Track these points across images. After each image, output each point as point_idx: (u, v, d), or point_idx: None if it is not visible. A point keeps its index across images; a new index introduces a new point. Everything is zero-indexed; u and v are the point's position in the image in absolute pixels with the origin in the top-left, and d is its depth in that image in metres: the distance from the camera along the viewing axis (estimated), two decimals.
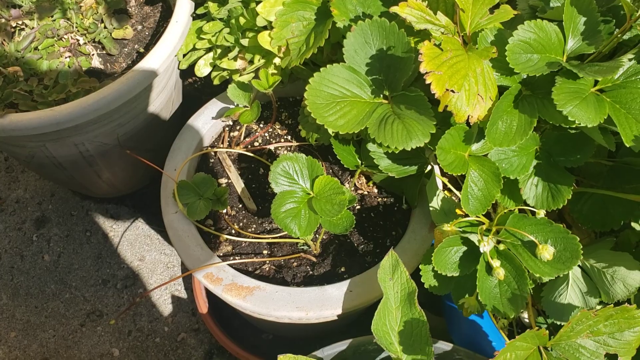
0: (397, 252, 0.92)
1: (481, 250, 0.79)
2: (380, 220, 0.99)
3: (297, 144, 1.05)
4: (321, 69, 0.83)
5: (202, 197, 0.94)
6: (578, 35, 0.81)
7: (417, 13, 0.79)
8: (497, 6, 0.82)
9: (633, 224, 0.91)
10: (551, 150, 0.86)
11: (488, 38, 0.81)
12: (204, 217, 0.95)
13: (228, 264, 0.91)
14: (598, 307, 0.92)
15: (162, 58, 1.00)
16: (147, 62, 0.99)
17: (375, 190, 1.02)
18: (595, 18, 0.81)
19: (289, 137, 1.06)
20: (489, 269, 0.79)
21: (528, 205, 0.85)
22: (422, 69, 0.72)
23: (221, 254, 0.94)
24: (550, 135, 0.86)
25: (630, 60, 0.78)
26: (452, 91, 0.74)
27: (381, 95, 0.85)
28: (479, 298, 0.79)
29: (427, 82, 0.72)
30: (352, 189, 1.01)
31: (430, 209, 0.92)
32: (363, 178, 1.02)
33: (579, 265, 0.89)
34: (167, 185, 0.98)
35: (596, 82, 0.79)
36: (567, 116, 0.72)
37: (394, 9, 0.78)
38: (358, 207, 1.00)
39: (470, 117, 0.76)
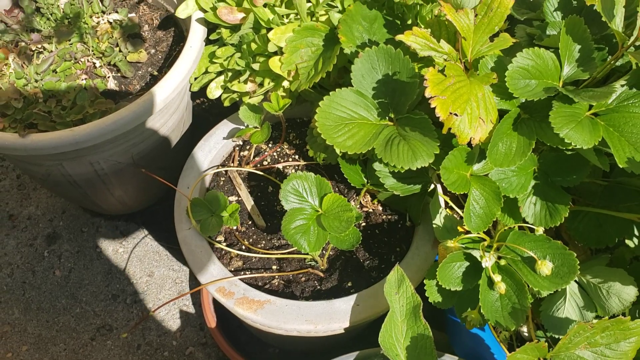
0: (401, 267, 0.95)
1: (483, 265, 0.82)
2: (385, 237, 1.03)
3: (305, 163, 1.09)
4: (330, 93, 0.87)
5: (215, 214, 0.98)
6: (573, 62, 0.85)
7: (421, 41, 0.83)
8: (497, 34, 0.86)
9: (627, 241, 0.94)
10: (548, 170, 0.90)
11: (489, 64, 0.85)
12: (216, 233, 0.98)
13: (239, 279, 0.95)
14: (594, 321, 0.95)
15: (177, 81, 1.04)
16: (163, 85, 1.03)
17: (380, 208, 1.05)
18: (590, 46, 0.86)
19: (297, 157, 1.10)
20: (491, 283, 0.83)
21: (527, 223, 0.89)
22: (427, 94, 0.76)
23: (232, 269, 0.97)
24: (547, 157, 0.90)
25: (622, 85, 0.82)
26: (455, 115, 0.78)
27: (387, 118, 0.89)
28: (482, 311, 0.82)
29: (432, 106, 0.76)
30: (358, 206, 1.05)
31: (434, 226, 0.95)
32: (368, 196, 1.05)
33: (575, 281, 0.92)
34: (181, 202, 1.01)
35: (591, 107, 0.83)
36: (564, 138, 0.76)
37: (399, 37, 0.82)
38: (363, 224, 1.04)
39: (472, 139, 0.80)
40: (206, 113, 1.51)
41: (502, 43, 0.85)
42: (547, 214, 0.89)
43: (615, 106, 0.82)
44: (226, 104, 1.13)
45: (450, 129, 0.78)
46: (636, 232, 0.93)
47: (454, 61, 0.85)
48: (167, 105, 1.06)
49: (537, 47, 0.84)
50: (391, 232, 1.03)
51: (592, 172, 0.92)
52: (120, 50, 1.17)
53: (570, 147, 0.80)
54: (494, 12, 0.83)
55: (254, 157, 1.09)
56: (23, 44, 1.13)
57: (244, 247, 1.00)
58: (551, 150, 0.90)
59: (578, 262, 0.80)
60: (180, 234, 0.98)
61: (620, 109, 0.82)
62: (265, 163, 1.09)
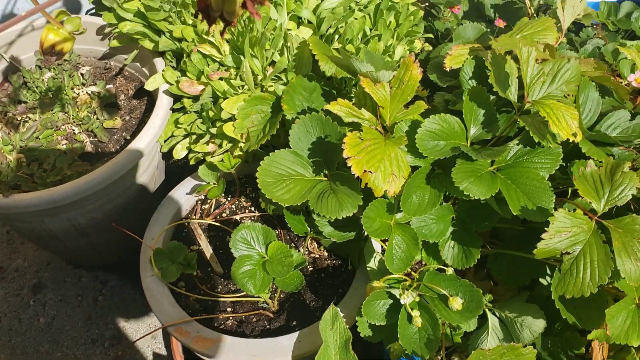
0: (340, 306, 1.06)
1: (402, 302, 0.93)
2: (330, 279, 1.14)
3: (259, 214, 1.21)
4: (270, 154, 0.99)
5: (175, 262, 1.09)
6: (479, 124, 0.98)
7: (345, 109, 0.96)
8: (412, 102, 1.00)
9: (541, 280, 1.05)
10: (464, 218, 1.02)
11: (403, 128, 0.98)
12: (176, 279, 1.10)
13: (195, 320, 1.05)
14: None
15: (142, 146, 1.17)
16: (130, 150, 1.16)
17: (326, 254, 1.17)
18: (493, 110, 0.99)
19: (253, 209, 1.22)
20: (410, 318, 0.93)
21: (447, 265, 1.01)
22: (345, 155, 0.89)
23: (190, 311, 1.08)
24: (463, 206, 1.02)
25: (518, 144, 0.96)
26: (370, 172, 0.90)
27: (322, 174, 1.02)
28: (401, 343, 0.93)
29: (348, 165, 0.88)
30: (306, 252, 1.17)
31: (368, 269, 1.06)
32: (315, 243, 1.17)
33: (496, 316, 1.03)
34: (146, 252, 1.13)
35: (493, 162, 0.96)
36: (463, 191, 0.89)
37: (327, 107, 0.96)
38: (311, 268, 1.15)
39: (387, 191, 0.92)
40: (180, 170, 1.64)
41: (415, 110, 0.99)
42: (463, 257, 1.00)
43: (513, 162, 0.95)
44: (192, 162, 1.27)
45: (367, 183, 0.91)
46: (548, 272, 1.05)
47: (374, 126, 0.98)
48: (135, 167, 1.19)
49: (443, 113, 0.97)
50: (335, 276, 1.14)
51: (513, 219, 1.03)
52: (97, 118, 1.31)
53: (470, 198, 0.92)
54: (405, 85, 0.97)
55: (214, 210, 1.22)
56: (10, 114, 1.28)
57: (202, 291, 1.11)
58: (466, 201, 1.02)
59: (483, 298, 0.91)
60: (144, 280, 1.09)
61: (517, 165, 0.94)
62: (224, 215, 1.21)
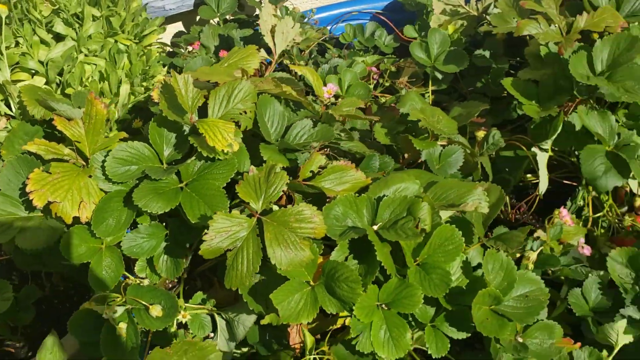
0: None
1: (104, 317, 1.01)
2: (75, 309, 1.20)
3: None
4: None
5: None
6: (171, 146, 1.09)
7: (44, 148, 1.04)
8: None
9: None
10: (176, 233, 1.12)
11: (99, 158, 1.06)
12: None
13: None
14: (243, 349, 1.15)
15: None
16: None
17: (71, 285, 1.24)
18: (183, 133, 1.10)
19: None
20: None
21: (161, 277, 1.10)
22: (27, 190, 0.97)
23: None
24: (174, 222, 1.12)
25: (200, 160, 1.07)
26: (57, 201, 0.99)
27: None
28: (104, 354, 1.00)
29: (30, 198, 0.97)
30: (48, 286, 1.23)
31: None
32: (60, 277, 1.24)
33: (223, 319, 1.13)
34: None
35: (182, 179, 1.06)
36: (142, 207, 0.99)
37: (25, 147, 1.04)
38: (56, 301, 1.22)
39: (80, 217, 1.01)
40: None
41: (111, 141, 1.08)
42: (174, 268, 1.10)
43: (198, 176, 1.05)
44: None
45: (56, 213, 0.99)
46: None
47: (74, 160, 1.07)
48: None
49: (130, 141, 1.06)
50: (79, 304, 1.21)
51: None
52: None
53: (151, 213, 1.02)
54: (95, 120, 1.06)
55: None
56: None
57: None
58: (177, 217, 1.12)
59: (178, 302, 1.02)
60: None
61: (200, 178, 1.05)
62: None
